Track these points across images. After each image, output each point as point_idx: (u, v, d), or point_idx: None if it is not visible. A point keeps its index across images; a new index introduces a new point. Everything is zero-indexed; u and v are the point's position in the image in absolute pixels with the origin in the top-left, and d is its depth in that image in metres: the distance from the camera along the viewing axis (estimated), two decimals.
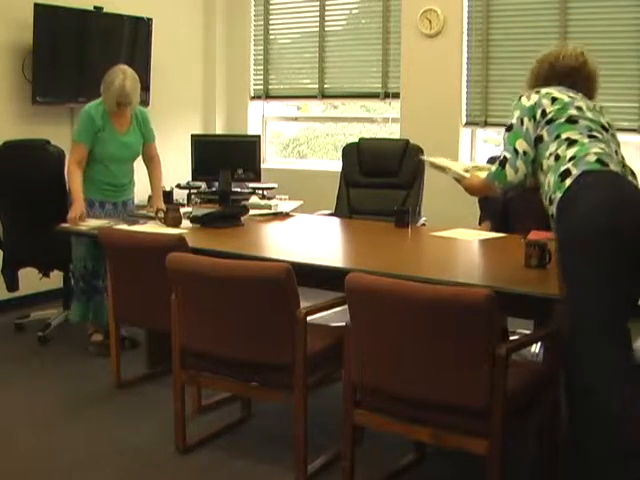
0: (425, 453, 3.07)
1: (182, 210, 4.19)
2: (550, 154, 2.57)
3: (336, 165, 5.43)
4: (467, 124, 5.65)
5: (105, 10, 5.48)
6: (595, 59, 2.84)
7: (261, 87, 6.61)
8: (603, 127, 2.63)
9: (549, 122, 2.60)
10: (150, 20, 5.80)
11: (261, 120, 6.73)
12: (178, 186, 5.69)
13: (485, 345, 2.36)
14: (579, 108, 2.61)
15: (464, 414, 2.45)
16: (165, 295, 3.08)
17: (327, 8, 6.21)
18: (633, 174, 2.65)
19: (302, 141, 7.00)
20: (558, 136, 2.57)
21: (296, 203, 4.61)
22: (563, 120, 2.58)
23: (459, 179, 2.94)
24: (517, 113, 2.67)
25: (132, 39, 5.76)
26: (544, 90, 2.66)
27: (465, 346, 2.39)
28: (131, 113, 4.32)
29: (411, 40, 5.75)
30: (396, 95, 5.90)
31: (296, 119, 6.88)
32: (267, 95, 6.60)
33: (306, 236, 4.02)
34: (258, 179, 5.81)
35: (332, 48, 6.23)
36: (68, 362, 4.21)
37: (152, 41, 5.82)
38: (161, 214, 4.07)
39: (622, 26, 5.05)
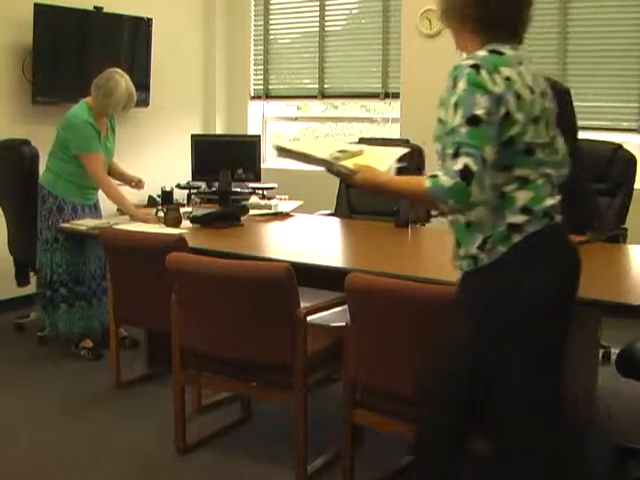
0: None
1: (182, 210, 4.19)
2: (494, 185, 1.99)
3: None
4: None
5: (105, 10, 5.48)
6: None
7: (261, 87, 6.61)
8: (548, 144, 2.07)
9: (507, 144, 1.99)
10: (150, 20, 5.79)
11: (261, 120, 6.73)
12: (178, 186, 5.68)
13: None
14: (536, 121, 2.02)
15: None
16: (165, 295, 3.08)
17: (327, 8, 6.21)
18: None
19: (302, 141, 6.99)
20: (509, 167, 2.01)
21: (296, 203, 4.60)
22: (520, 148, 2.01)
23: (346, 173, 2.22)
24: (482, 99, 1.93)
25: (132, 39, 5.76)
26: (504, 70, 1.98)
27: None
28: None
29: (411, 40, 5.75)
30: (396, 95, 5.90)
31: (296, 119, 6.87)
32: (267, 95, 6.60)
33: (306, 236, 4.02)
34: (258, 179, 5.80)
35: (332, 48, 6.22)
36: (68, 362, 4.21)
37: (152, 41, 5.81)
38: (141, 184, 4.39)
39: (622, 26, 5.05)
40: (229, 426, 3.39)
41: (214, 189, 5.66)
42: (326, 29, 6.23)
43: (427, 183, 1.97)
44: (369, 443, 3.08)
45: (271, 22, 6.51)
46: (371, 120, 6.35)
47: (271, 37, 6.53)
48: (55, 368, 4.13)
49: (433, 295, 2.41)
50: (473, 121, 1.93)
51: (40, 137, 4.56)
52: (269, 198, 5.06)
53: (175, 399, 3.12)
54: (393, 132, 6.03)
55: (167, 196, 4.71)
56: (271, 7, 6.49)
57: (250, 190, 5.68)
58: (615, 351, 2.93)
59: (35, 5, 5.00)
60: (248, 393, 3.21)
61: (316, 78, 6.31)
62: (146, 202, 4.87)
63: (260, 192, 5.64)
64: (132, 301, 3.68)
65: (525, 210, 2.02)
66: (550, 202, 2.05)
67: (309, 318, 2.80)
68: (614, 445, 3.01)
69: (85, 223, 4.10)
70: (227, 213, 4.22)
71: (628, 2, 5.03)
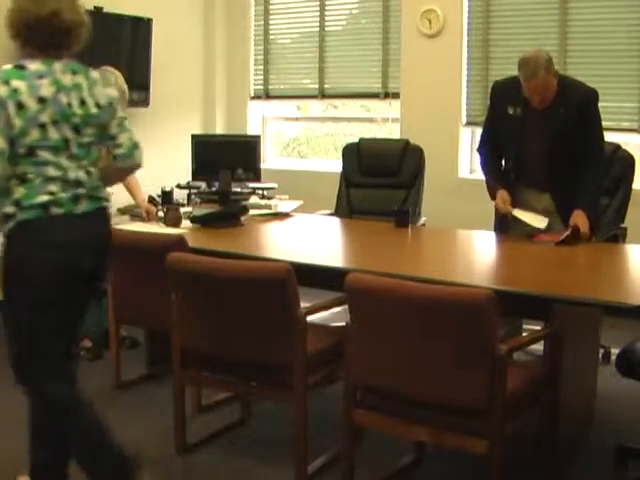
0: (425, 453, 3.07)
1: (182, 210, 4.19)
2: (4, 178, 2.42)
3: (336, 165, 5.43)
4: (467, 124, 5.65)
5: (105, 10, 5.48)
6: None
7: (261, 87, 6.61)
8: (64, 145, 2.46)
9: (11, 143, 2.38)
10: (150, 20, 5.79)
11: (261, 120, 6.74)
12: (178, 186, 5.68)
13: (485, 345, 2.36)
14: (42, 127, 2.42)
15: (464, 414, 2.45)
16: (165, 295, 3.08)
17: (327, 8, 6.21)
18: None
19: (302, 141, 7.00)
20: (14, 164, 2.41)
21: (296, 203, 4.60)
22: (22, 151, 2.40)
23: None
24: None
25: (132, 39, 5.76)
26: (14, 82, 2.40)
27: (465, 346, 2.39)
28: None
29: (411, 40, 5.75)
30: (396, 95, 5.90)
31: (296, 119, 6.88)
32: (267, 95, 6.61)
33: (306, 236, 4.02)
34: (258, 179, 5.80)
35: (332, 48, 6.23)
36: None
37: (152, 41, 5.81)
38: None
39: (622, 26, 5.05)
40: (229, 426, 3.39)
41: (214, 189, 5.66)
42: (326, 29, 6.24)
43: None
44: (369, 443, 3.08)
45: (271, 22, 6.51)
46: (371, 120, 6.35)
47: (271, 37, 6.54)
48: None
49: (433, 295, 2.41)
50: None
51: None
52: (269, 198, 5.06)
53: (175, 399, 3.12)
54: (393, 132, 6.04)
55: (167, 196, 4.70)
56: (271, 7, 6.50)
57: (250, 190, 5.68)
58: (615, 351, 2.93)
59: None
60: (248, 393, 3.21)
61: (316, 78, 6.31)
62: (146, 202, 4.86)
63: (260, 192, 5.64)
64: (132, 301, 3.68)
65: (16, 203, 2.43)
66: (45, 198, 2.43)
67: (309, 318, 2.80)
68: (614, 445, 3.01)
69: None
70: (227, 213, 4.22)
71: (628, 2, 5.04)
